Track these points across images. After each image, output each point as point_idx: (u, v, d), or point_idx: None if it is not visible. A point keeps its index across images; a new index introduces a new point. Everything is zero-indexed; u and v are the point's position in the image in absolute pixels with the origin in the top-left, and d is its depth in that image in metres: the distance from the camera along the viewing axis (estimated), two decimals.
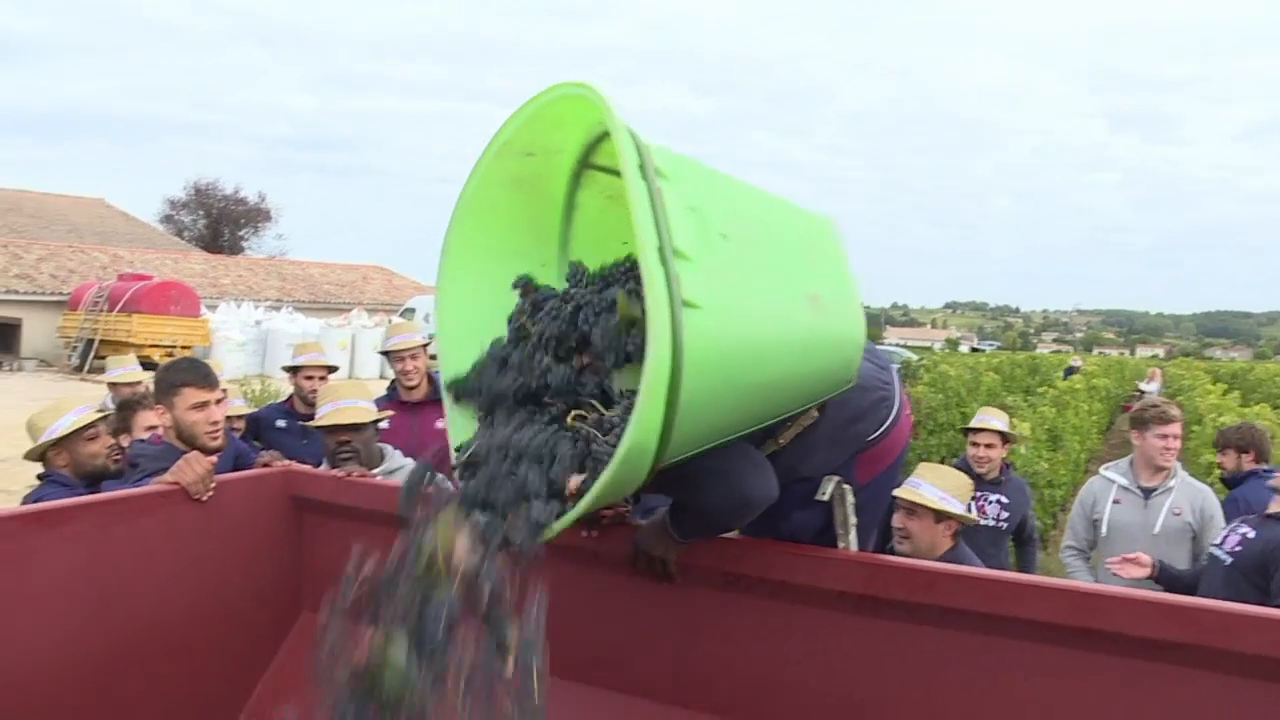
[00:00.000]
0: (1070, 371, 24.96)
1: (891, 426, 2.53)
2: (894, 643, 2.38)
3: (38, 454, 4.00)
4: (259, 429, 5.48)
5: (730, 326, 1.88)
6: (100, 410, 4.23)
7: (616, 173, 2.12)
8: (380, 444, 4.06)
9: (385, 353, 5.51)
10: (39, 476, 4.01)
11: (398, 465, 3.98)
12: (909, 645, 2.37)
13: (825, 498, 2.42)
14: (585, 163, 2.28)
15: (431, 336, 5.42)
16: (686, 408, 1.78)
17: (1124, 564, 4.25)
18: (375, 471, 3.76)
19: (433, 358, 4.14)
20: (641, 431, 1.77)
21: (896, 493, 3.59)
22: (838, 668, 2.45)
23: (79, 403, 4.11)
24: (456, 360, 2.37)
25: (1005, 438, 5.43)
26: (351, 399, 3.95)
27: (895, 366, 2.67)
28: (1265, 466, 5.24)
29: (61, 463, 3.93)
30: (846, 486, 2.44)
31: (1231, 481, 5.42)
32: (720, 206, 2.02)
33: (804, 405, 2.33)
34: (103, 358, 27.21)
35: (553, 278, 2.38)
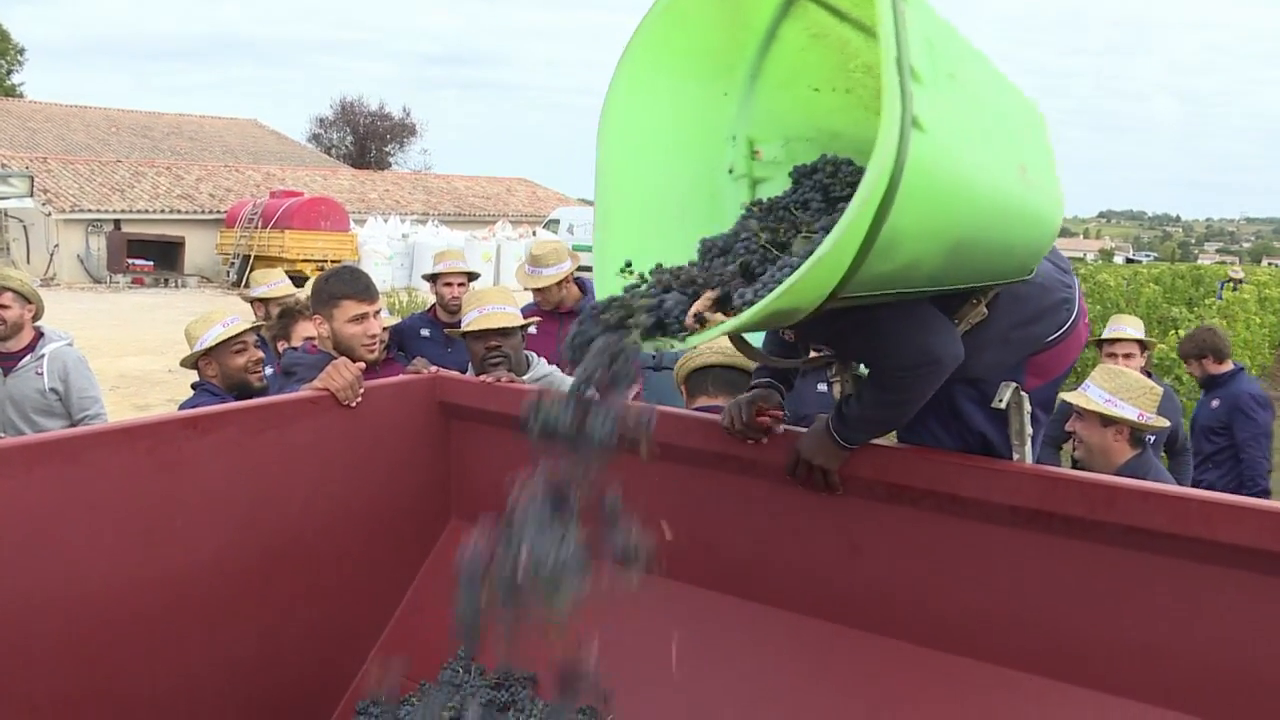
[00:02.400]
0: (1227, 285, 22.31)
1: (1069, 331, 2.35)
2: (1070, 563, 2.22)
3: (191, 362, 4.11)
4: (403, 339, 5.54)
5: (948, 161, 1.73)
6: (252, 322, 4.31)
7: (831, 9, 1.96)
8: (526, 351, 4.02)
9: (435, 276, 5.68)
10: (193, 386, 4.13)
11: (544, 372, 3.93)
12: (1086, 566, 2.20)
13: (1002, 405, 2.26)
14: None
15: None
16: (889, 233, 1.63)
17: None
18: (524, 378, 3.72)
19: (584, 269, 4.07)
20: (846, 238, 1.62)
21: (1063, 395, 3.40)
22: (1008, 588, 2.30)
23: (228, 313, 4.19)
24: (616, 180, 2.19)
25: (1143, 345, 5.21)
26: (498, 304, 3.90)
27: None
28: (1237, 364, 5.90)
29: (211, 373, 4.03)
30: (1025, 394, 2.27)
31: (1210, 384, 5.90)
32: (949, 48, 1.86)
33: (986, 281, 2.17)
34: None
35: (732, 108, 2.22)
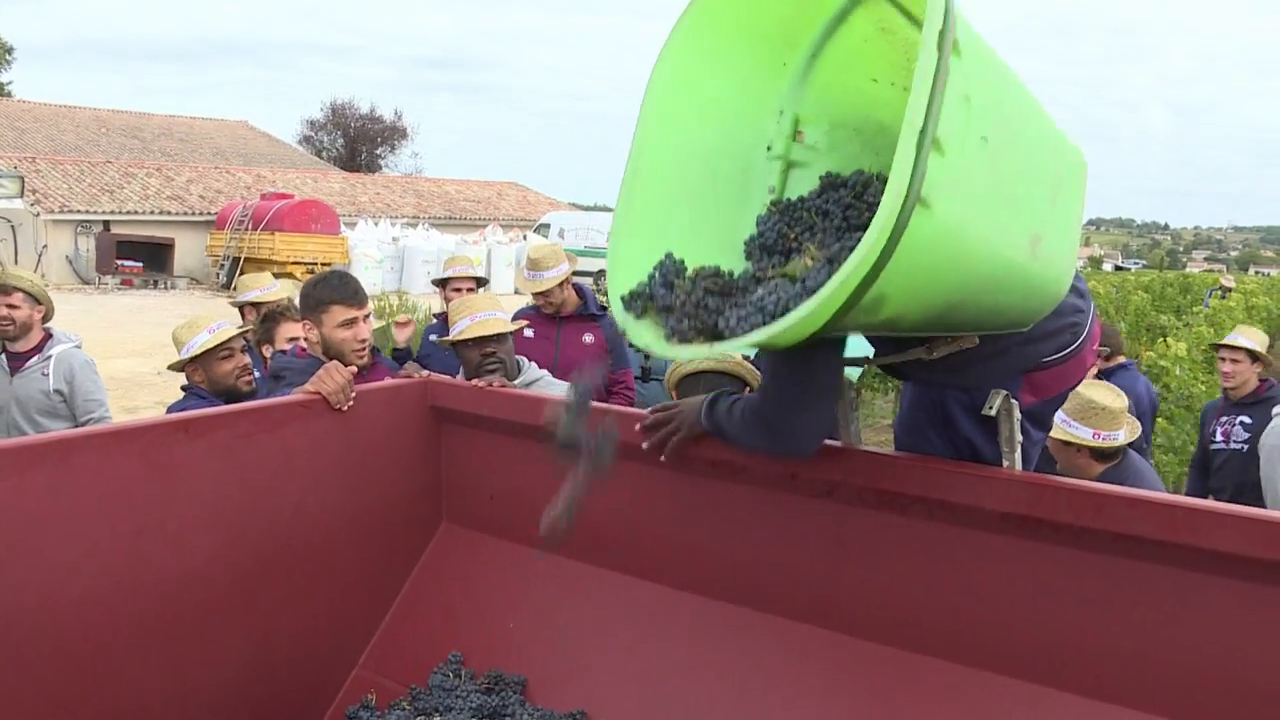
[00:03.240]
0: (1215, 293, 22.38)
1: (1072, 355, 2.34)
2: (1059, 569, 2.23)
3: (179, 367, 4.10)
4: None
5: (951, 238, 1.70)
6: (240, 327, 4.30)
7: (904, 10, 1.93)
8: (517, 355, 4.03)
9: (444, 280, 5.76)
10: (182, 388, 4.12)
11: (535, 376, 3.95)
12: (1075, 572, 2.21)
13: (991, 412, 2.26)
14: None
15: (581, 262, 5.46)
16: (873, 296, 1.63)
17: None
18: (515, 383, 3.73)
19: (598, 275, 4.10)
20: (826, 304, 1.63)
21: (1053, 433, 3.49)
22: (997, 593, 2.31)
23: (216, 318, 4.17)
24: (654, 133, 2.15)
25: (1255, 357, 5.33)
26: (489, 311, 3.91)
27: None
28: (1126, 359, 6.00)
29: (198, 379, 4.03)
30: (1014, 401, 2.28)
31: (1102, 375, 5.83)
32: (990, 103, 1.80)
33: (966, 332, 2.17)
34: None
35: (786, 82, 2.18)
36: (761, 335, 1.74)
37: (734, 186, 2.23)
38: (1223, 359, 5.37)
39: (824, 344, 2.11)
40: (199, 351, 3.98)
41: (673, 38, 2.13)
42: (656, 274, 2.03)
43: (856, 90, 2.16)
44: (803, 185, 2.21)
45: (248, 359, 4.14)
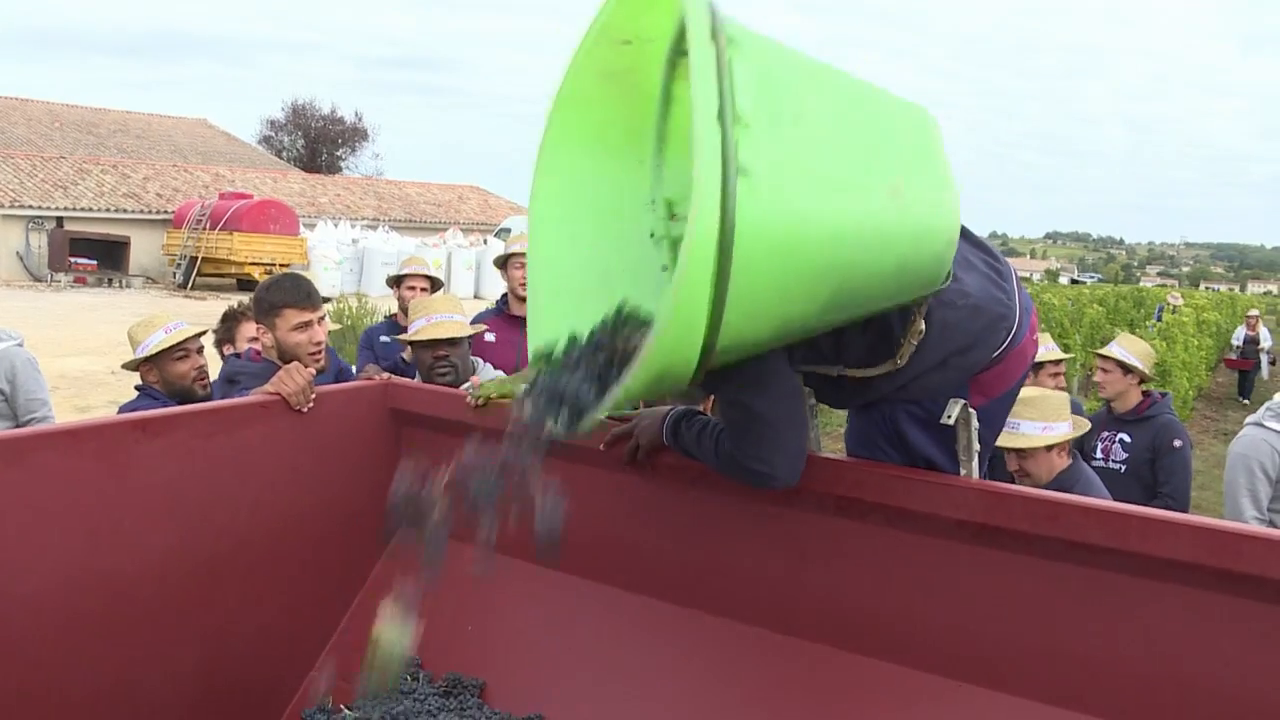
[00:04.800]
0: (1166, 309, 21.55)
1: (1008, 349, 2.34)
2: (1015, 575, 2.26)
3: (133, 366, 4.02)
4: (371, 344, 5.56)
5: (789, 202, 1.73)
6: (197, 328, 4.21)
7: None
8: (473, 357, 4.01)
9: (506, 258, 5.41)
10: (136, 388, 4.05)
11: (490, 378, 3.93)
12: (1031, 578, 2.25)
13: (950, 421, 2.29)
14: (679, 50, 2.12)
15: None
16: (739, 289, 1.65)
17: None
18: (466, 386, 3.71)
19: None
20: (682, 309, 1.64)
21: (1000, 443, 3.43)
22: (954, 599, 2.34)
23: (172, 318, 4.10)
24: (548, 254, 2.26)
25: (1127, 369, 5.05)
26: (447, 313, 3.89)
27: (1016, 276, 2.46)
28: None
29: (152, 379, 3.96)
30: (972, 411, 2.30)
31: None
32: (796, 86, 1.86)
33: (892, 301, 2.18)
34: (205, 275, 28.06)
35: (647, 175, 2.26)
36: (639, 364, 1.73)
37: (632, 280, 2.27)
38: (1098, 368, 5.15)
39: (788, 378, 2.18)
40: (154, 351, 3.91)
41: (536, 180, 2.23)
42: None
43: None
44: None
45: (204, 360, 4.07)
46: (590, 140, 2.23)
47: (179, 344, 3.94)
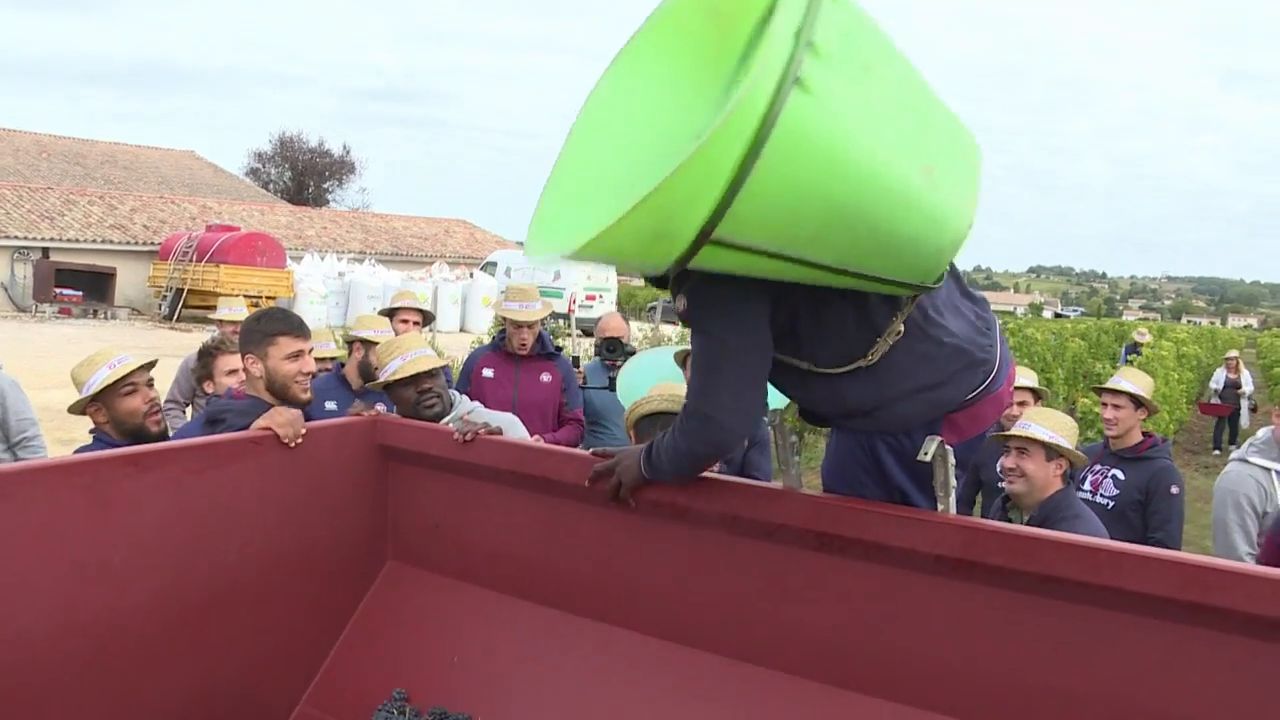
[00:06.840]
0: (1132, 350, 19.01)
1: (984, 393, 2.41)
2: (992, 610, 2.31)
3: (79, 409, 3.71)
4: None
5: (833, 124, 1.79)
6: (143, 360, 3.83)
7: None
8: (453, 390, 4.06)
9: (393, 311, 5.64)
10: (90, 433, 3.74)
11: (468, 408, 3.95)
12: (1007, 613, 2.29)
13: (927, 457, 2.34)
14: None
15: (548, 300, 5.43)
16: (759, 182, 1.70)
17: None
18: (447, 419, 3.73)
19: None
20: (703, 161, 1.68)
21: (1013, 430, 3.72)
22: (932, 633, 2.38)
23: (116, 353, 3.77)
24: (583, 140, 2.25)
25: (1139, 403, 4.89)
26: (419, 349, 3.91)
27: (1000, 331, 2.53)
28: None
29: (101, 419, 3.66)
30: (949, 447, 2.36)
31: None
32: (873, 47, 1.93)
33: (885, 275, 2.19)
34: (191, 307, 27.97)
35: (706, 113, 2.12)
36: (659, 185, 1.73)
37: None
38: (1104, 404, 4.98)
39: (764, 332, 2.25)
40: (99, 389, 3.60)
41: (615, 63, 2.25)
42: None
43: None
44: None
45: (155, 394, 3.76)
46: (670, 60, 2.21)
47: (124, 378, 3.63)
